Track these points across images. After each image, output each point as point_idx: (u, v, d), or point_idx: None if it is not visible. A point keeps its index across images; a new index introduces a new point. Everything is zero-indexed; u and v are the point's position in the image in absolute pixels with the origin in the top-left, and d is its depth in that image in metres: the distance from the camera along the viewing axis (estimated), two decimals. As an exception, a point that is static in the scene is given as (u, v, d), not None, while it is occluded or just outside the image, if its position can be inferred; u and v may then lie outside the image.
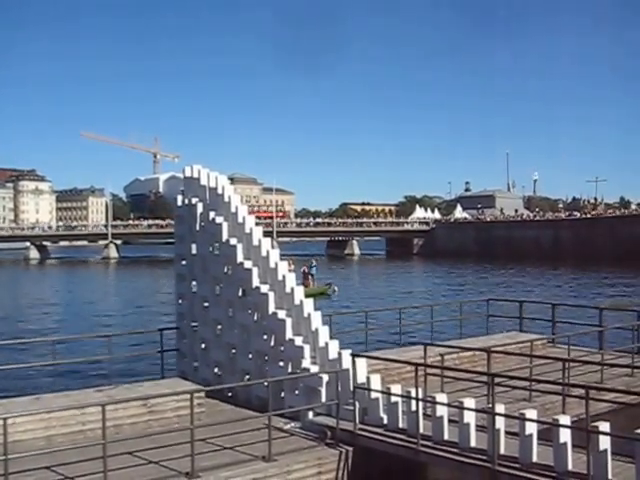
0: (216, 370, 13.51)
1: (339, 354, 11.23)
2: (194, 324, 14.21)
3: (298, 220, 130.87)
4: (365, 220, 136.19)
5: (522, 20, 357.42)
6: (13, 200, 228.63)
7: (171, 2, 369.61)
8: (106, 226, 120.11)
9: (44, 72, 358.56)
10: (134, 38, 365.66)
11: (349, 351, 11.26)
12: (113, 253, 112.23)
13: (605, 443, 7.98)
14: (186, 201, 14.50)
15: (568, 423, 8.50)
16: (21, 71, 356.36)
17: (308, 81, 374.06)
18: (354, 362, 10.82)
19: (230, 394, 12.71)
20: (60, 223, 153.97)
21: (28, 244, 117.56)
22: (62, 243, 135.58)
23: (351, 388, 10.64)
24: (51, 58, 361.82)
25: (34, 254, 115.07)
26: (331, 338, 11.80)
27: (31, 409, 9.99)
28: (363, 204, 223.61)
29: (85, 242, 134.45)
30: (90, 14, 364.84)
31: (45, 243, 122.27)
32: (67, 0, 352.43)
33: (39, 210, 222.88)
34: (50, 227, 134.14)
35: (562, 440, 8.38)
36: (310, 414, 10.99)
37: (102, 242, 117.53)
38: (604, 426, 8.04)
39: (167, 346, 14.40)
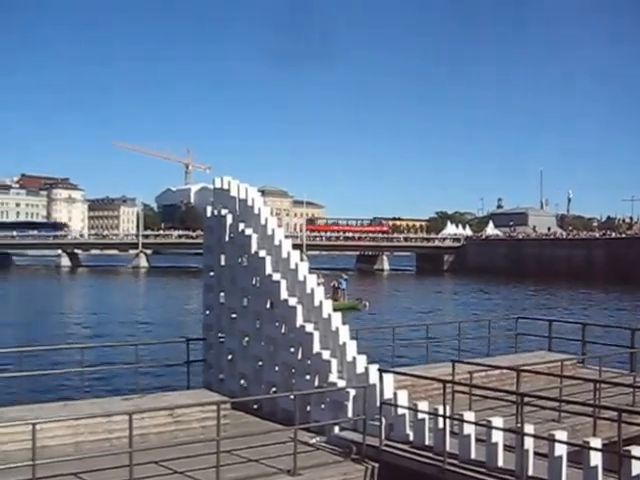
0: (242, 382, 13.50)
1: (366, 369, 11.17)
2: (221, 335, 14.23)
3: (328, 234, 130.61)
4: (395, 235, 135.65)
5: (551, 31, 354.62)
6: (46, 208, 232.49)
7: (199, 7, 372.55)
8: (137, 235, 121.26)
9: (77, 79, 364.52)
10: (167, 45, 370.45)
11: (376, 366, 11.19)
12: (143, 262, 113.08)
13: (637, 468, 7.82)
14: (215, 212, 14.56)
15: (599, 446, 8.33)
16: (53, 78, 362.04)
17: (338, 95, 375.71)
18: (381, 377, 10.75)
19: (256, 406, 12.69)
20: (92, 231, 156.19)
21: (60, 252, 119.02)
22: (93, 251, 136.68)
23: (377, 404, 10.55)
24: (84, 63, 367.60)
25: (65, 262, 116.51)
26: (358, 353, 11.74)
27: (60, 415, 10.08)
28: (394, 219, 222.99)
29: (116, 251, 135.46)
30: (121, 19, 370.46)
31: (76, 251, 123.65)
32: (97, 3, 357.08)
33: (71, 218, 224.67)
34: (82, 235, 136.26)
35: (593, 463, 8.21)
36: (336, 429, 10.93)
37: (132, 251, 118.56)
38: (637, 450, 7.87)
39: (193, 356, 14.42)
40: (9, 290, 67.26)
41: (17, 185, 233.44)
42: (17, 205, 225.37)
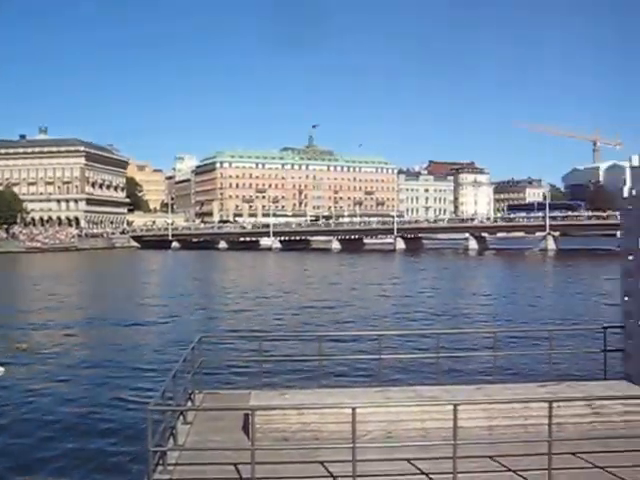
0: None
1: None
2: None
3: None
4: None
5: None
6: (453, 192, 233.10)
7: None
8: (544, 217, 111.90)
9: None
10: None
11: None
12: (551, 245, 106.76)
13: None
14: (634, 192, 11.63)
15: None
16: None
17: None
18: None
19: None
20: (498, 214, 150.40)
21: (467, 235, 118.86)
22: (499, 234, 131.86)
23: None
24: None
25: (473, 245, 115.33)
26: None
27: (475, 398, 9.76)
28: None
29: (522, 233, 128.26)
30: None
31: (483, 234, 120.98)
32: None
33: (477, 202, 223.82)
34: (488, 218, 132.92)
35: None
36: None
37: (539, 234, 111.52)
38: None
39: (610, 345, 12.29)
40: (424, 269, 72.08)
41: (425, 172, 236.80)
42: (426, 190, 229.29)
